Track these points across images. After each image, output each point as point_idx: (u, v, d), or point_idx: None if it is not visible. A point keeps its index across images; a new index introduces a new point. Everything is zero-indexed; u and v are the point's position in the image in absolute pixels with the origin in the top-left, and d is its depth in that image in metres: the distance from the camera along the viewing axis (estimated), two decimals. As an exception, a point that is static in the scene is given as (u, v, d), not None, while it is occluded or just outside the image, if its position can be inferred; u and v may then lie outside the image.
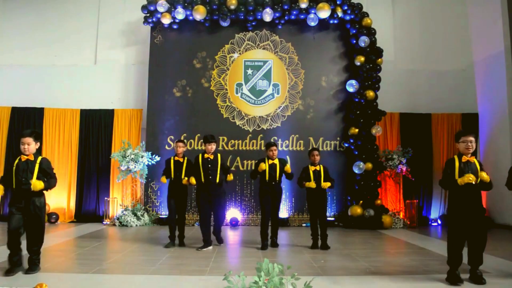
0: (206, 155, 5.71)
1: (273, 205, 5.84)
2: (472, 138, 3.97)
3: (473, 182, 3.78)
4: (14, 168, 4.12)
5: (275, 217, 5.96)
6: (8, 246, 4.06)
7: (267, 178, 5.76)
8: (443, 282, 3.95)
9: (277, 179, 5.84)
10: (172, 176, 5.93)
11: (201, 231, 5.74)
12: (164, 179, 6.09)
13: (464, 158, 3.98)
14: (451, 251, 3.95)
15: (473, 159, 4.00)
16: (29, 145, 4.12)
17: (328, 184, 5.76)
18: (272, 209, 5.85)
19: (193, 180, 5.71)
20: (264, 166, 5.68)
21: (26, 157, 4.13)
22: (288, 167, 5.88)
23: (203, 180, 5.68)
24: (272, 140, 5.90)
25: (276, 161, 5.86)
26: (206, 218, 5.74)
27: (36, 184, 4.04)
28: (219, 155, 5.82)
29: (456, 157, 4.03)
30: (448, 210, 4.09)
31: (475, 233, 3.87)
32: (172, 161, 5.98)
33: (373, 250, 5.79)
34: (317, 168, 5.87)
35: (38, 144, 4.23)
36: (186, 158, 6.01)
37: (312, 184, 5.68)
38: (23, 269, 4.15)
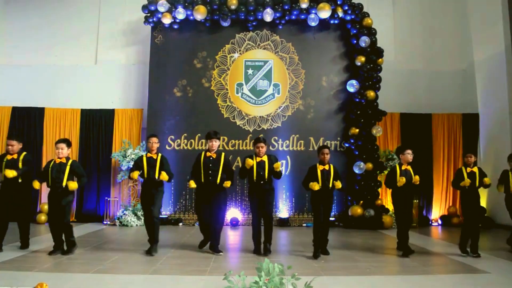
0: (208, 154, 5.29)
1: (263, 207, 5.27)
2: (411, 151, 5.60)
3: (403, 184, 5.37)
4: (50, 169, 5.00)
5: (267, 221, 5.34)
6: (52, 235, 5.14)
7: (254, 178, 5.26)
8: (443, 282, 3.95)
9: (266, 178, 5.28)
10: (145, 175, 5.28)
11: (203, 235, 5.56)
12: (135, 175, 5.19)
13: (404, 167, 5.54)
14: (401, 231, 5.47)
15: (409, 167, 5.57)
16: (62, 150, 5.06)
17: (340, 184, 5.28)
18: (263, 212, 5.30)
19: (192, 184, 5.25)
20: (252, 161, 5.20)
21: (59, 160, 5.06)
22: (277, 165, 5.26)
23: (202, 180, 5.24)
24: (261, 136, 5.43)
25: (265, 158, 5.32)
26: (204, 222, 5.37)
27: (70, 184, 4.98)
28: (223, 154, 5.39)
29: (397, 165, 5.58)
30: (393, 203, 5.69)
31: (408, 216, 5.56)
32: (144, 158, 5.31)
33: (373, 250, 5.79)
34: (326, 167, 5.35)
35: (70, 150, 5.20)
36: (160, 154, 5.41)
37: (315, 186, 5.13)
38: (62, 251, 5.12)
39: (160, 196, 5.41)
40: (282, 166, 8.53)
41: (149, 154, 5.35)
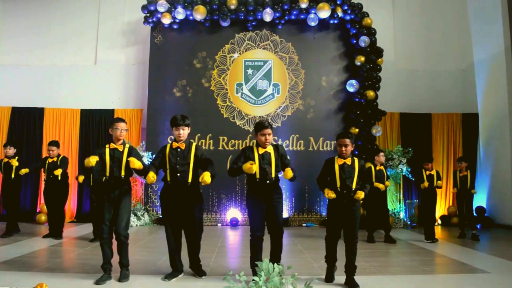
0: (175, 144, 4.05)
1: (270, 217, 3.83)
2: (383, 154, 6.88)
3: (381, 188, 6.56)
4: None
5: (276, 239, 3.85)
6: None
7: (257, 175, 3.82)
8: (443, 282, 3.95)
9: (273, 176, 3.85)
10: (107, 172, 4.06)
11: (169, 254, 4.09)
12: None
13: (378, 167, 6.64)
14: (384, 221, 6.65)
15: (382, 168, 6.73)
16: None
17: (362, 194, 3.71)
18: (269, 224, 3.87)
19: (151, 176, 3.73)
20: (255, 167, 3.71)
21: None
22: (289, 173, 3.71)
23: (168, 179, 3.96)
24: (265, 120, 3.71)
25: (270, 149, 3.91)
26: (170, 235, 4.02)
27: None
28: (193, 144, 4.09)
29: (372, 166, 6.58)
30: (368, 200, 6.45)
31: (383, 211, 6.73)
32: (107, 150, 4.09)
33: (373, 250, 5.79)
34: (347, 161, 3.83)
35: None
36: (128, 145, 4.18)
37: (331, 195, 3.75)
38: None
39: (128, 202, 4.02)
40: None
41: (113, 145, 4.04)
